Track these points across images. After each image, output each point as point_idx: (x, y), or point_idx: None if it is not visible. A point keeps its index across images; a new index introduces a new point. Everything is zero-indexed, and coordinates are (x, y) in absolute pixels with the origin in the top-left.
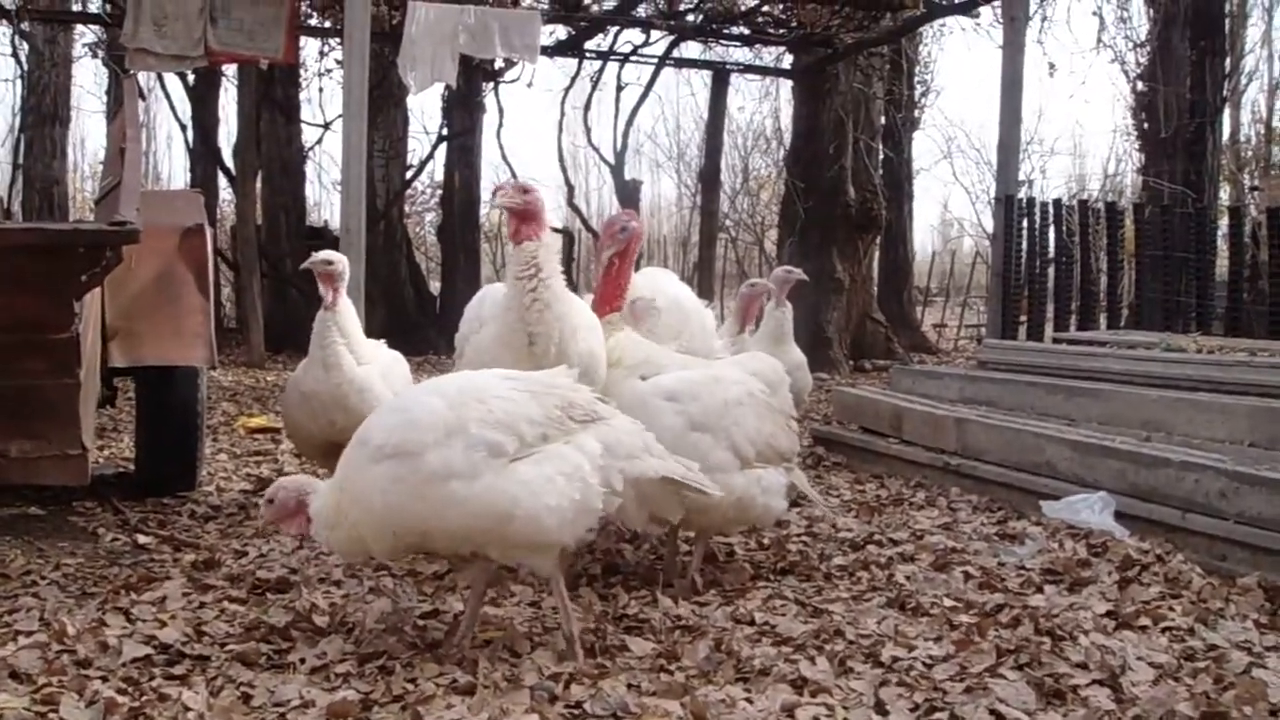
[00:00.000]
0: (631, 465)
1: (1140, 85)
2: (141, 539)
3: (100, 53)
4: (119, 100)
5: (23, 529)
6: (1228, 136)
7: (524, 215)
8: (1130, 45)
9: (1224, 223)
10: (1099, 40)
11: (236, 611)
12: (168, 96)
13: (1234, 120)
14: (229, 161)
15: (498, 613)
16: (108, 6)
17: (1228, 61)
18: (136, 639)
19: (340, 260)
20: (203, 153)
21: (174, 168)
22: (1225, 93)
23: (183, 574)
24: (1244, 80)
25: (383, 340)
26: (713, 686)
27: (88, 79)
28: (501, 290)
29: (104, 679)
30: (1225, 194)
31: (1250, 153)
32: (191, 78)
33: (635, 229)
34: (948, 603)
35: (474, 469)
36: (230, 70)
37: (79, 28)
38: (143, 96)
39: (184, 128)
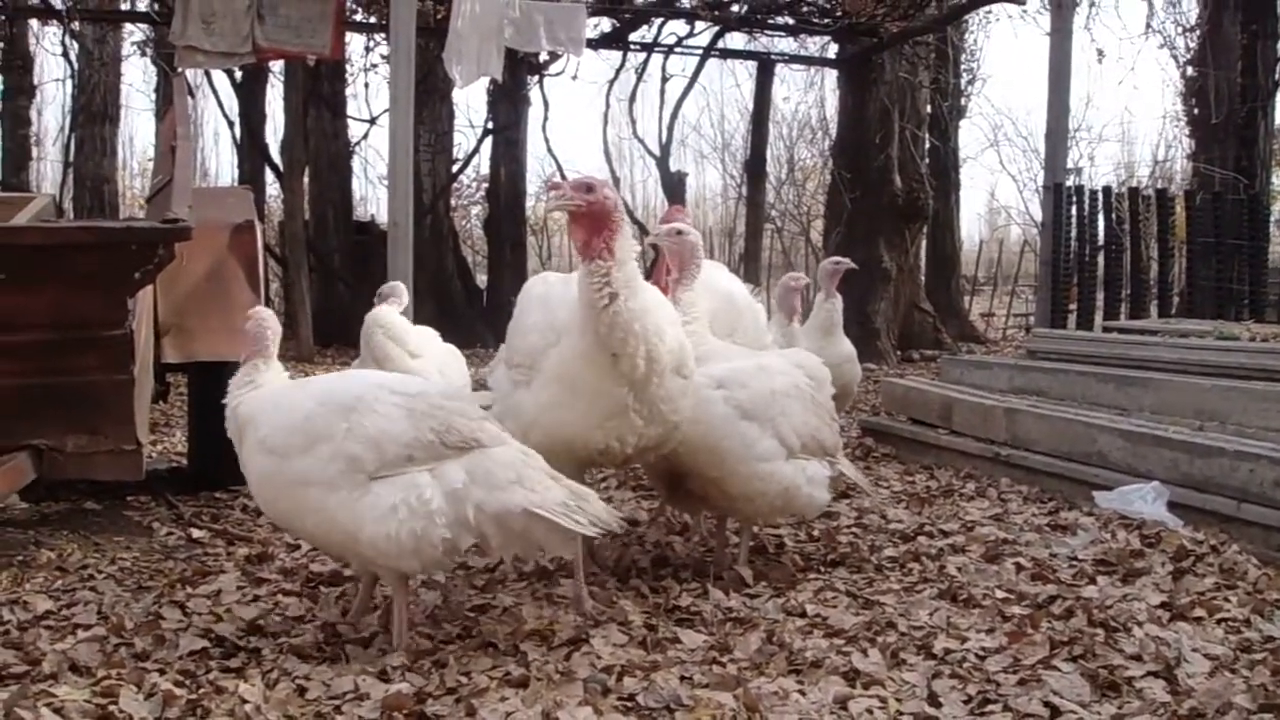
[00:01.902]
0: (491, 497)
1: (1190, 70)
2: (196, 533)
3: (149, 51)
4: (168, 98)
5: (79, 523)
6: None
7: (591, 220)
8: (1180, 30)
9: (1277, 208)
10: (1148, 25)
11: (290, 605)
12: (215, 93)
13: None
14: (276, 157)
15: (540, 613)
16: (156, 5)
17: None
18: (193, 632)
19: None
20: (250, 149)
21: (221, 164)
22: (1277, 76)
23: (236, 568)
24: None
25: (436, 333)
26: (765, 678)
27: (137, 77)
28: (558, 286)
29: (161, 671)
30: (1277, 179)
31: None
32: (239, 74)
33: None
34: (1000, 594)
35: (331, 481)
36: (277, 66)
37: (128, 27)
38: (191, 94)
39: (231, 124)
